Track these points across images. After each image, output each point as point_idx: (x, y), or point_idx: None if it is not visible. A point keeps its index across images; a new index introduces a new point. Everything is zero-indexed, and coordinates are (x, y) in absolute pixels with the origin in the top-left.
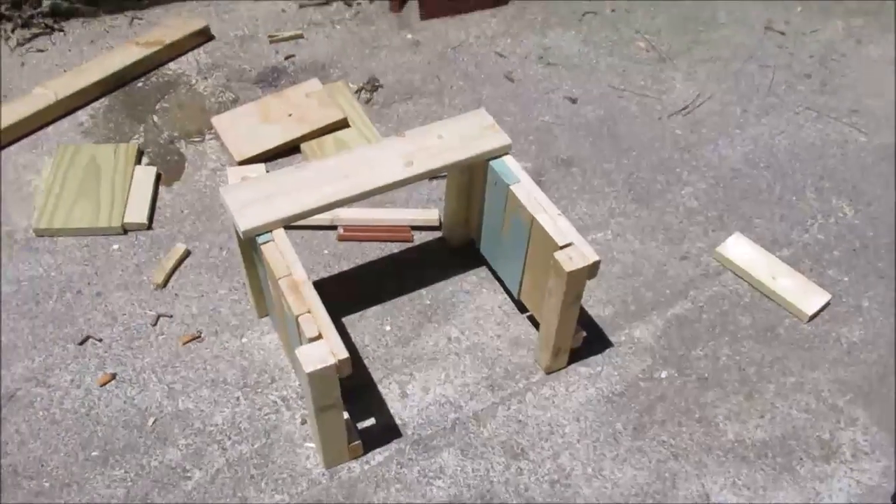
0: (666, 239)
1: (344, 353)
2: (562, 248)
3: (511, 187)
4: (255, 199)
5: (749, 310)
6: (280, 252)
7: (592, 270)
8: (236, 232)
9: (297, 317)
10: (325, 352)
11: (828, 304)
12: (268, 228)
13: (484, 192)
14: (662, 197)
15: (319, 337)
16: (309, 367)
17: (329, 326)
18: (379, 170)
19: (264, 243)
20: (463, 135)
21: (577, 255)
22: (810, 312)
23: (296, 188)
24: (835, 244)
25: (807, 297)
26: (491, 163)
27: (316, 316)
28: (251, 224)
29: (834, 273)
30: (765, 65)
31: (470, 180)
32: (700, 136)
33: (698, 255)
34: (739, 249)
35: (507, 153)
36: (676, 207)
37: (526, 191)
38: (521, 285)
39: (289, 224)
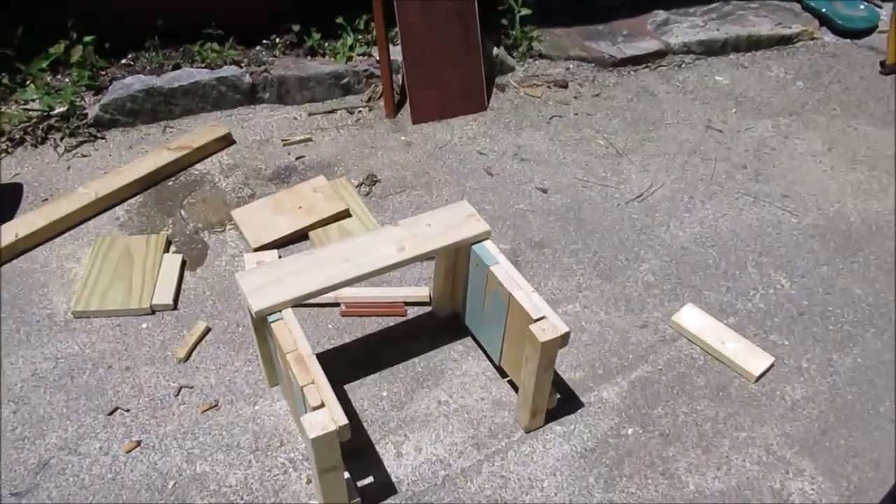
0: (627, 309)
1: (343, 420)
2: (536, 320)
3: (491, 268)
4: (266, 282)
5: (703, 372)
6: (288, 329)
7: (564, 340)
8: (249, 311)
9: (302, 387)
10: (327, 419)
11: (772, 365)
12: (277, 308)
13: (467, 271)
14: (623, 273)
15: (322, 406)
16: (313, 434)
17: (330, 396)
18: (375, 255)
19: (274, 321)
20: (448, 223)
21: (550, 326)
22: (757, 373)
23: (302, 272)
24: (775, 312)
25: (753, 359)
26: (473, 247)
27: (319, 386)
28: (262, 305)
29: (776, 338)
30: (707, 158)
31: (455, 262)
32: (654, 220)
33: (656, 323)
34: (692, 318)
35: (487, 238)
36: (636, 282)
37: (504, 271)
38: (501, 353)
39: (296, 304)
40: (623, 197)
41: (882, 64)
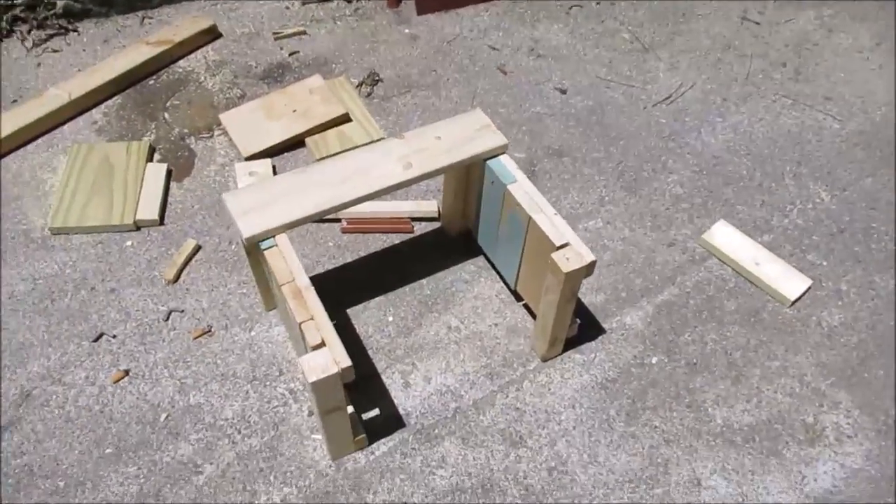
0: (654, 226)
1: (346, 362)
2: (559, 248)
3: (508, 187)
4: (257, 204)
5: (734, 295)
6: (283, 257)
7: (589, 269)
8: (240, 236)
9: (300, 324)
10: (328, 360)
11: (809, 288)
12: (270, 234)
13: (481, 188)
14: (649, 185)
15: (322, 344)
16: (312, 377)
17: (331, 333)
18: (378, 173)
19: (267, 248)
20: (460, 135)
21: (574, 255)
22: (792, 298)
23: (297, 192)
24: (813, 229)
25: (789, 282)
26: (488, 163)
27: (319, 323)
28: (254, 230)
29: (813, 258)
30: (742, 54)
31: (467, 177)
32: (683, 125)
33: (684, 241)
34: (724, 236)
35: (503, 152)
36: (663, 195)
37: (523, 190)
38: (517, 278)
39: (291, 228)
40: (650, 99)
41: None
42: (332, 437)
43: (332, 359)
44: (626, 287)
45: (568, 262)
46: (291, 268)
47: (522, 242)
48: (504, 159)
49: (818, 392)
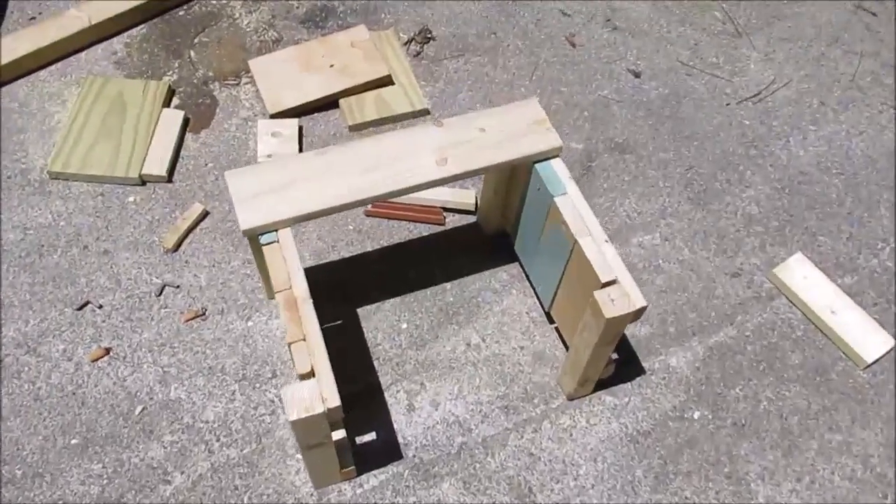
0: (719, 250)
1: (335, 401)
2: (604, 285)
3: (556, 199)
4: (264, 189)
5: (800, 346)
6: (283, 258)
7: (637, 315)
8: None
9: (289, 344)
10: (314, 396)
11: (891, 350)
12: (272, 228)
13: (525, 191)
14: (721, 199)
15: (312, 374)
16: (293, 415)
17: (324, 362)
18: (408, 166)
19: (267, 244)
20: (508, 130)
21: (621, 297)
22: (869, 359)
23: (312, 180)
24: None
25: (867, 338)
26: (536, 166)
27: (311, 346)
28: (254, 222)
29: None
30: (851, 50)
31: (511, 176)
32: (770, 130)
33: (752, 272)
34: (799, 273)
35: (556, 156)
36: (735, 213)
37: (572, 205)
38: (553, 300)
39: (299, 222)
40: (735, 93)
41: None
42: (315, 469)
43: (319, 394)
44: (677, 321)
45: (613, 305)
46: (290, 271)
47: (564, 264)
48: (555, 164)
49: (883, 479)
